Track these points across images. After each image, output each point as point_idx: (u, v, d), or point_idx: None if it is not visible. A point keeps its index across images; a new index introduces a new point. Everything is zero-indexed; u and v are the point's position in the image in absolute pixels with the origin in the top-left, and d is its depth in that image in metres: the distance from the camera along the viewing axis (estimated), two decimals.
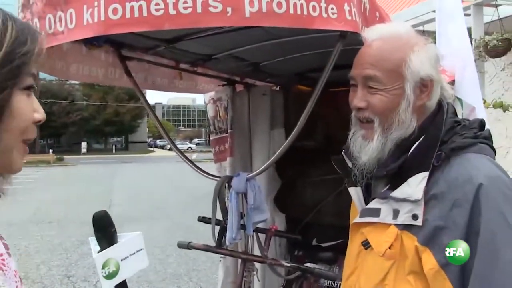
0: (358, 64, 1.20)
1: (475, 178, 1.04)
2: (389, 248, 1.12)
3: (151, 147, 67.22)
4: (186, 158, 2.29)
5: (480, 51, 5.36)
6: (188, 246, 2.33)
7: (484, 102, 5.21)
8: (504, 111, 5.02)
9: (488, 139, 1.18)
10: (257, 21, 1.32)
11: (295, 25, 1.35)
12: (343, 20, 1.38)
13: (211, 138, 3.62)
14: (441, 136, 1.13)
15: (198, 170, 2.22)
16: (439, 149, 1.11)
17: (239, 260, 2.78)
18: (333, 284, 3.05)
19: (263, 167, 2.12)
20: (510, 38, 5.22)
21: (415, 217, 1.09)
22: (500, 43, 5.20)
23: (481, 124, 1.21)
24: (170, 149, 64.15)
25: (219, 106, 3.52)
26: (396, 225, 1.12)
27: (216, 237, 2.24)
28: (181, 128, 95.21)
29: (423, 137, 1.15)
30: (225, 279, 3.11)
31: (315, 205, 3.45)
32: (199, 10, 1.30)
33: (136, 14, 1.32)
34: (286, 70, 3.51)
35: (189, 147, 65.05)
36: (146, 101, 2.41)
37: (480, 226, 1.01)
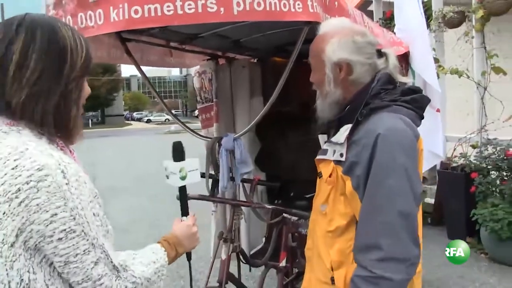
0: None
1: (378, 129, 1.45)
2: (329, 176, 1.60)
3: (128, 120, 66.77)
4: (183, 124, 2.71)
5: (439, 22, 5.83)
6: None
7: (443, 69, 5.74)
8: (459, 77, 5.54)
9: (408, 102, 1.59)
10: (242, 17, 1.75)
11: (271, 18, 1.78)
12: (307, 12, 1.82)
13: (198, 107, 4.03)
14: (367, 99, 1.56)
15: (194, 134, 2.66)
16: (364, 109, 1.54)
17: (227, 212, 3.26)
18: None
19: (246, 128, 2.57)
20: (464, 11, 5.70)
21: (341, 155, 1.54)
22: (455, 15, 5.67)
23: (403, 91, 1.62)
24: (147, 122, 63.99)
25: (204, 78, 3.93)
26: (333, 161, 1.59)
27: (210, 188, 2.70)
28: (157, 100, 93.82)
29: (354, 101, 1.60)
30: (217, 230, 3.60)
31: (291, 164, 3.92)
32: (200, 10, 1.72)
33: (153, 14, 1.74)
34: (264, 44, 3.90)
35: (166, 119, 64.62)
36: (145, 76, 2.81)
37: (373, 162, 1.44)
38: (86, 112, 55.03)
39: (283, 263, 3.11)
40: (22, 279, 0.99)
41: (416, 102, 1.61)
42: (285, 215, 3.17)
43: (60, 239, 1.01)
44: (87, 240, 1.05)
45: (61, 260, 1.03)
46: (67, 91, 1.12)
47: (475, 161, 5.16)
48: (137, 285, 1.19)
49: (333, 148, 1.60)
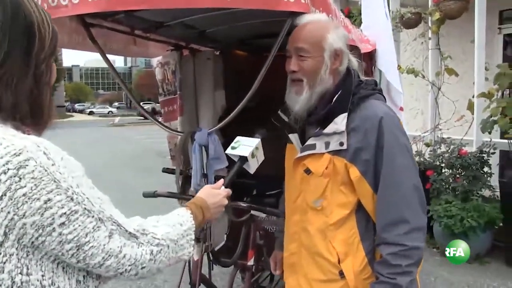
0: (292, 40, 1.64)
1: (378, 114, 1.54)
2: (325, 169, 1.58)
3: (69, 111, 64.15)
4: (154, 118, 2.56)
5: (396, 22, 5.95)
6: (154, 194, 2.62)
7: (400, 68, 5.87)
8: (415, 77, 5.68)
9: (381, 91, 1.72)
10: (237, 4, 1.64)
11: (265, 7, 1.69)
12: (299, 3, 1.75)
13: (159, 100, 3.85)
14: (352, 90, 1.60)
15: (164, 127, 2.51)
16: (352, 98, 1.58)
17: None
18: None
19: (222, 122, 2.45)
20: (421, 12, 5.86)
21: (341, 144, 1.55)
22: (412, 16, 5.82)
23: (375, 82, 1.74)
24: (89, 114, 61.67)
25: (167, 69, 3.76)
26: (328, 152, 1.57)
27: (180, 185, 2.57)
28: (100, 91, 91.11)
29: (340, 91, 1.60)
30: None
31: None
32: None
33: None
34: (228, 36, 3.78)
35: (109, 111, 62.58)
36: (111, 65, 2.62)
37: (383, 143, 1.51)
38: None
39: (251, 262, 3.02)
40: (14, 282, 0.88)
41: (382, 91, 1.75)
42: (253, 213, 3.09)
43: (62, 223, 0.90)
44: (93, 216, 0.95)
45: (72, 246, 0.93)
46: (39, 73, 0.98)
47: (429, 159, 5.31)
48: (163, 247, 1.10)
49: (324, 140, 1.59)
